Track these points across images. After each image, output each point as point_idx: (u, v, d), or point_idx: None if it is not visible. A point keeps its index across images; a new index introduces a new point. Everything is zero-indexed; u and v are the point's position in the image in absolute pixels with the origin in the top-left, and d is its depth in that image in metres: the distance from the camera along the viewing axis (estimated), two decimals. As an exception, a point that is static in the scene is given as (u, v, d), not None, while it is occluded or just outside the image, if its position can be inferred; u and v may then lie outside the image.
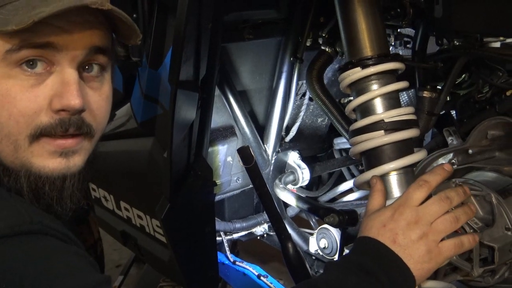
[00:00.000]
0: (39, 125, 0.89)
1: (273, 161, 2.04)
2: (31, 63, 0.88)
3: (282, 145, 2.08)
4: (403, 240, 1.08)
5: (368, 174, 1.37)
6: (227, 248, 2.16)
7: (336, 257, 1.85)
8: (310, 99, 2.04)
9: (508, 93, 1.52)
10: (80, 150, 0.94)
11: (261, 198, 1.61)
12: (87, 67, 0.94)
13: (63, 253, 0.81)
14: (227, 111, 1.91)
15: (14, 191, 0.90)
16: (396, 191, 1.34)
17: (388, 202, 1.31)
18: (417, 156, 1.34)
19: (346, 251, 1.73)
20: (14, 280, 0.75)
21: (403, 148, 1.34)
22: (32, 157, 0.90)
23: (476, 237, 1.15)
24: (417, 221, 1.09)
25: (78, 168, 0.94)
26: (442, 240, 1.10)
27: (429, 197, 1.14)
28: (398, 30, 1.92)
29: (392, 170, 1.33)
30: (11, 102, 0.87)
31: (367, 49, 1.40)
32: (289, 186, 2.06)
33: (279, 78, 1.91)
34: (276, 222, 1.61)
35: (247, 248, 2.89)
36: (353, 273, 1.05)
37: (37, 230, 0.79)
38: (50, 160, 0.91)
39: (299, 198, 1.90)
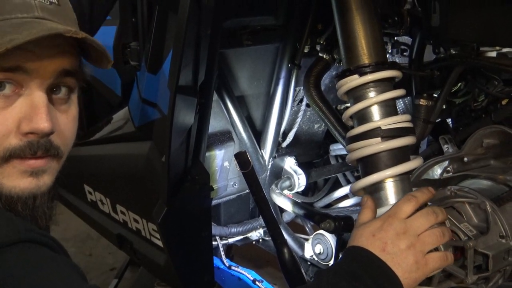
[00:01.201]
0: (8, 148, 0.89)
1: (269, 167, 2.05)
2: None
3: (279, 151, 2.09)
4: (391, 249, 1.12)
5: (365, 181, 1.38)
6: (222, 253, 2.17)
7: (331, 263, 1.85)
8: (307, 105, 2.05)
9: (503, 102, 1.53)
10: (48, 169, 0.95)
11: (258, 203, 1.61)
12: (55, 89, 0.95)
13: (56, 263, 0.82)
14: (224, 116, 1.92)
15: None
16: (392, 198, 1.35)
17: (384, 209, 1.32)
18: (413, 163, 1.36)
19: (342, 257, 1.74)
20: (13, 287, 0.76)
21: (400, 155, 1.35)
22: (3, 178, 0.90)
23: (451, 257, 1.20)
24: (405, 231, 1.14)
25: (47, 187, 0.95)
26: (428, 252, 1.15)
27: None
28: (395, 38, 1.93)
29: (388, 177, 1.35)
30: None
31: (365, 57, 1.41)
32: (285, 192, 2.06)
33: (277, 84, 1.92)
34: (272, 227, 1.62)
35: (242, 253, 2.89)
36: (343, 279, 1.08)
37: (31, 239, 0.80)
38: (21, 180, 0.91)
39: (295, 203, 1.91)
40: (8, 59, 0.86)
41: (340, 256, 1.64)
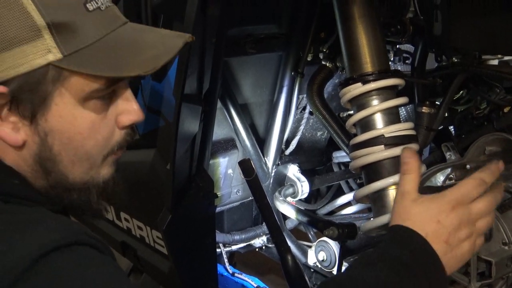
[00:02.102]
0: (114, 144, 0.96)
1: (273, 174, 2.06)
2: (108, 95, 0.94)
3: (282, 158, 2.10)
4: (453, 239, 1.03)
5: (368, 188, 1.39)
6: (226, 260, 2.17)
7: (335, 270, 1.86)
8: (310, 113, 2.06)
9: (505, 110, 1.54)
10: None
11: (261, 211, 1.62)
12: None
13: (104, 264, 0.84)
14: (228, 124, 1.93)
15: (70, 206, 0.97)
16: (395, 205, 1.35)
17: (385, 218, 1.33)
18: (416, 170, 1.36)
19: (345, 264, 1.75)
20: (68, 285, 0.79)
21: (403, 162, 1.36)
22: (102, 169, 0.97)
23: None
24: (468, 221, 1.05)
25: None
26: None
27: None
28: (398, 46, 1.94)
29: (391, 184, 1.36)
30: (96, 131, 0.93)
31: (368, 65, 1.43)
32: (289, 199, 2.07)
33: (280, 92, 1.93)
34: (276, 234, 1.63)
35: (244, 260, 2.89)
36: (394, 271, 0.98)
37: (84, 241, 0.83)
38: (111, 168, 0.98)
39: (298, 210, 1.92)
40: None
41: (350, 260, 1.62)
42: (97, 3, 0.91)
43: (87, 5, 0.90)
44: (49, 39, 0.85)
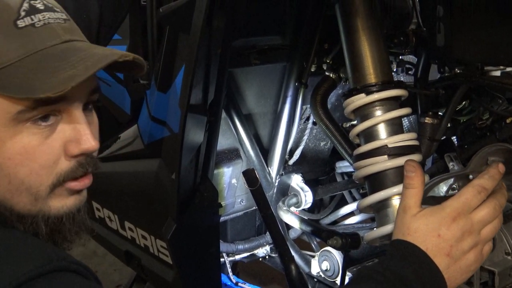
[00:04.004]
0: (60, 173, 0.89)
1: (276, 184, 2.07)
2: (44, 117, 0.86)
3: (286, 168, 2.10)
4: (455, 252, 1.00)
5: (372, 198, 1.40)
6: (229, 269, 2.18)
7: (338, 279, 1.86)
8: (314, 123, 2.07)
9: (508, 121, 1.54)
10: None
11: (265, 220, 1.63)
12: (85, 106, 0.94)
13: None
14: (232, 134, 1.94)
15: (31, 233, 0.90)
16: (398, 215, 1.36)
17: (388, 228, 1.34)
18: (420, 181, 1.37)
19: (349, 273, 1.75)
20: None
21: (406, 173, 1.37)
22: (51, 201, 0.90)
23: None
24: (471, 230, 1.01)
25: (85, 197, 0.96)
26: None
27: None
28: (400, 57, 1.96)
29: (395, 195, 1.37)
30: (30, 158, 0.86)
31: (371, 76, 1.44)
32: (292, 209, 2.08)
33: (284, 102, 1.94)
34: (280, 244, 1.64)
35: (248, 269, 2.90)
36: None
37: (63, 267, 0.80)
38: (68, 199, 0.92)
39: (302, 220, 1.93)
40: None
41: (352, 270, 1.62)
42: (32, 20, 0.85)
43: (18, 22, 0.84)
44: None
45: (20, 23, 0.84)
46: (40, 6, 0.87)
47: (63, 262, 0.80)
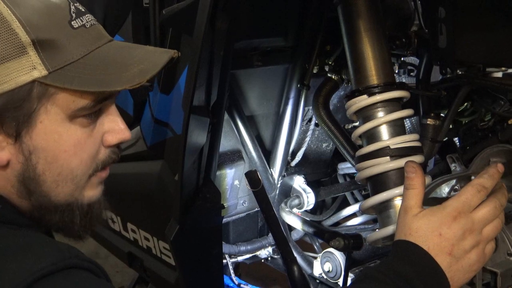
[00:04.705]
0: (98, 163, 0.96)
1: (279, 185, 2.07)
2: (94, 113, 0.94)
3: (288, 170, 2.11)
4: (457, 251, 1.00)
5: (374, 199, 1.40)
6: (231, 271, 2.18)
7: (340, 281, 1.86)
8: (316, 124, 2.08)
9: (510, 122, 1.54)
10: None
11: (268, 221, 1.63)
12: None
13: (103, 287, 0.84)
14: (235, 135, 1.94)
15: (56, 228, 0.97)
16: (401, 216, 1.36)
17: (390, 229, 1.34)
18: (422, 182, 1.38)
19: (351, 275, 1.75)
20: None
21: (408, 174, 1.37)
22: (85, 191, 0.96)
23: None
24: (472, 229, 1.02)
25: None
26: None
27: None
28: (402, 59, 1.96)
29: (397, 196, 1.37)
30: (82, 149, 0.93)
31: (373, 77, 1.45)
32: (295, 210, 2.08)
33: (286, 104, 1.94)
34: (282, 245, 1.64)
35: (250, 271, 2.90)
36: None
37: (76, 265, 0.82)
38: (96, 189, 0.99)
39: (304, 221, 1.93)
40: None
41: (355, 271, 1.62)
42: (82, 21, 0.92)
43: (72, 23, 0.90)
44: (34, 55, 0.85)
45: (74, 24, 0.90)
46: (81, 8, 0.94)
47: (76, 259, 0.83)
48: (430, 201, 1.56)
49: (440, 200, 1.51)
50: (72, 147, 0.91)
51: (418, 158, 1.40)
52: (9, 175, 0.91)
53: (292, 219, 1.97)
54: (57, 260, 0.81)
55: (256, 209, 2.12)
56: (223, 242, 2.09)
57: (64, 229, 0.97)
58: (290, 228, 2.16)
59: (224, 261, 2.14)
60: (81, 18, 0.92)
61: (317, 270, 2.02)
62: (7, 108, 0.86)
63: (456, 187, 1.54)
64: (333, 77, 1.85)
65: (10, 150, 0.89)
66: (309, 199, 2.09)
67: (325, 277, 1.99)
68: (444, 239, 1.00)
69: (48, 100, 0.87)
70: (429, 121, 1.62)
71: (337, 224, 2.32)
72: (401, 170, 1.38)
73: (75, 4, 0.94)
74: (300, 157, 2.11)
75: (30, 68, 0.85)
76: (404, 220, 1.04)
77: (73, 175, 0.93)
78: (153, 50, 0.99)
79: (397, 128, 1.43)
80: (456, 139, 1.85)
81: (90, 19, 0.94)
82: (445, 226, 1.01)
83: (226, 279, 2.18)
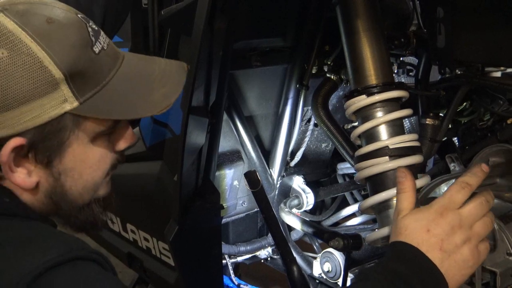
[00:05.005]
0: (111, 166, 1.03)
1: (278, 185, 2.07)
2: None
3: (287, 170, 2.11)
4: (448, 245, 1.02)
5: (373, 199, 1.40)
6: (231, 271, 2.18)
7: (340, 281, 1.86)
8: (315, 124, 2.08)
9: (509, 121, 1.54)
10: None
11: (267, 222, 1.63)
12: None
13: (107, 279, 0.85)
14: (234, 136, 1.94)
15: (70, 224, 1.03)
16: (400, 216, 1.36)
17: (390, 229, 1.33)
18: (421, 181, 1.38)
19: (351, 275, 1.75)
20: None
21: (408, 174, 1.37)
22: (99, 191, 1.04)
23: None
24: (460, 225, 1.04)
25: None
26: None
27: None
28: (401, 59, 1.96)
29: (396, 196, 1.36)
30: (105, 162, 1.01)
31: (372, 77, 1.44)
32: (294, 210, 2.08)
33: (285, 104, 1.94)
34: (282, 245, 1.64)
35: (250, 271, 2.90)
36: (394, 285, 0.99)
37: (84, 256, 0.84)
38: (107, 186, 1.06)
39: (304, 222, 1.93)
40: None
41: (355, 271, 1.62)
42: (100, 44, 0.95)
43: (94, 48, 0.93)
44: (66, 89, 0.89)
45: (95, 49, 0.94)
46: (95, 27, 0.97)
47: (83, 251, 0.85)
48: (429, 201, 1.55)
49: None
50: (96, 163, 0.99)
51: (417, 158, 1.40)
52: (38, 194, 0.96)
53: (292, 219, 1.97)
54: (64, 251, 0.82)
55: (256, 209, 2.12)
56: (222, 243, 2.10)
57: (88, 223, 1.04)
58: (290, 228, 2.17)
59: (224, 261, 2.14)
60: (99, 40, 0.95)
61: (316, 270, 2.02)
62: (40, 140, 0.90)
63: (455, 186, 1.54)
64: (332, 77, 1.85)
65: (39, 174, 0.94)
66: (309, 199, 2.09)
67: (324, 277, 1.99)
68: (432, 235, 1.02)
69: (78, 128, 0.93)
70: (428, 121, 1.62)
71: (336, 224, 2.33)
72: (400, 170, 1.38)
73: (89, 24, 0.96)
74: (299, 157, 2.11)
75: (62, 101, 0.89)
76: (395, 222, 1.08)
77: (95, 185, 1.01)
78: (169, 66, 1.06)
79: (396, 128, 1.43)
80: (455, 139, 1.85)
81: (104, 38, 0.98)
82: (433, 223, 1.03)
83: (225, 280, 2.18)
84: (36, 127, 0.88)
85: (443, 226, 1.03)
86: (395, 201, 1.37)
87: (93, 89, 0.93)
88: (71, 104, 0.90)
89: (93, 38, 0.94)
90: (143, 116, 1.02)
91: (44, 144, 0.90)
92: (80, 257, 0.83)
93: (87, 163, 0.97)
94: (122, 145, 1.03)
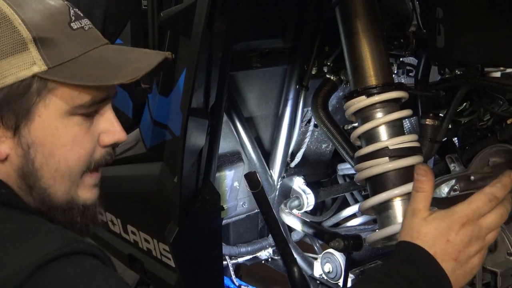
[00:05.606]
0: (92, 161, 0.99)
1: (278, 186, 2.07)
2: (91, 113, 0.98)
3: (288, 171, 2.10)
4: (462, 257, 1.02)
5: (373, 200, 1.40)
6: (232, 272, 2.18)
7: (341, 281, 1.86)
8: (315, 125, 2.07)
9: (508, 121, 1.54)
10: None
11: (268, 223, 1.63)
12: None
13: (108, 274, 0.85)
14: (234, 137, 1.94)
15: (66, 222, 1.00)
16: (400, 217, 1.37)
17: (390, 229, 1.34)
18: (421, 182, 1.38)
19: (351, 275, 1.75)
20: None
21: (407, 174, 1.37)
22: (79, 191, 1.00)
23: None
24: (478, 236, 1.03)
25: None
26: None
27: None
28: (401, 59, 1.96)
29: (396, 196, 1.37)
30: (80, 145, 0.96)
31: (372, 78, 1.44)
32: (294, 211, 2.08)
33: (285, 105, 1.94)
34: (282, 246, 1.64)
35: (251, 272, 2.90)
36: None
37: (83, 250, 0.84)
38: (91, 191, 1.02)
39: (304, 222, 1.93)
40: (100, 91, 0.96)
41: (355, 272, 1.62)
42: (81, 24, 0.97)
43: (72, 24, 0.95)
44: (35, 51, 0.90)
45: (74, 26, 0.96)
46: (80, 13, 0.99)
47: (82, 244, 0.84)
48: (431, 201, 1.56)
49: (439, 201, 1.52)
50: (69, 142, 0.95)
51: (417, 159, 1.40)
52: (9, 170, 0.94)
53: (292, 220, 1.97)
54: (64, 244, 0.82)
55: (256, 210, 2.12)
56: (223, 244, 2.10)
57: (67, 226, 0.99)
58: (290, 229, 2.16)
59: (225, 262, 2.14)
60: (80, 21, 0.97)
61: (317, 271, 2.02)
62: (7, 101, 0.90)
63: (456, 187, 1.54)
64: (332, 78, 1.85)
65: (9, 144, 0.92)
66: (309, 200, 2.09)
67: (325, 278, 1.99)
68: (451, 245, 1.01)
69: (47, 95, 0.92)
70: (428, 121, 1.62)
71: (337, 225, 2.33)
72: (400, 171, 1.38)
73: (75, 9, 0.98)
74: (300, 158, 2.11)
75: (31, 64, 0.90)
76: (412, 223, 1.05)
77: (70, 171, 0.96)
78: (149, 52, 1.05)
79: (396, 128, 1.43)
80: (455, 139, 1.85)
81: (88, 23, 0.99)
82: (453, 232, 1.02)
83: (226, 281, 2.18)
84: (3, 87, 0.89)
85: (463, 237, 1.02)
86: (395, 202, 1.37)
87: (65, 58, 0.93)
88: (40, 67, 0.90)
89: (73, 17, 0.96)
90: (112, 83, 0.94)
91: (10, 107, 0.90)
92: (80, 250, 0.83)
93: (58, 140, 0.94)
94: (107, 139, 1.00)
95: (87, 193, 1.01)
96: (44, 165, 0.94)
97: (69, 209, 0.99)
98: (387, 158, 1.39)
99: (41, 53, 0.90)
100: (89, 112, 0.96)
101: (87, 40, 0.97)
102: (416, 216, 1.05)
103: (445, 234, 1.02)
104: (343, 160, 2.10)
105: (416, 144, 1.43)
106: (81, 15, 0.99)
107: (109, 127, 1.00)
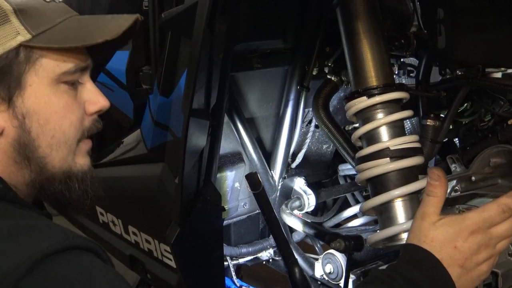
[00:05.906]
0: (84, 129, 1.04)
1: (279, 187, 2.07)
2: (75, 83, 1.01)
3: (289, 171, 2.10)
4: (469, 264, 1.01)
5: (374, 201, 1.40)
6: (233, 273, 2.18)
7: (342, 282, 1.86)
8: (316, 126, 2.08)
9: (509, 122, 1.54)
10: None
11: (269, 223, 1.63)
12: None
13: (105, 269, 0.85)
14: (235, 138, 1.94)
15: (53, 199, 1.02)
16: (401, 217, 1.37)
17: (391, 230, 1.34)
18: (422, 183, 1.38)
19: (352, 276, 1.75)
20: None
21: (408, 175, 1.38)
22: (76, 158, 1.03)
23: None
24: (487, 245, 1.02)
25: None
26: None
27: None
28: (402, 60, 1.96)
29: (397, 197, 1.37)
30: (71, 111, 1.00)
31: (373, 79, 1.45)
32: (295, 212, 2.08)
33: (286, 106, 1.94)
34: (283, 247, 1.64)
35: (252, 273, 2.90)
36: None
37: (79, 245, 0.84)
38: (85, 158, 1.05)
39: (305, 223, 1.93)
40: (83, 59, 1.00)
41: (356, 272, 1.62)
42: None
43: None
44: (17, 22, 0.93)
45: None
46: None
47: (80, 240, 0.85)
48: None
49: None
50: (62, 108, 0.98)
51: (418, 159, 1.40)
52: (4, 145, 0.96)
53: (293, 221, 1.97)
54: (62, 239, 0.83)
55: (257, 211, 2.12)
56: (224, 244, 2.10)
57: (66, 195, 1.01)
58: (291, 230, 2.16)
59: (226, 263, 2.14)
60: None
61: (318, 272, 2.02)
62: None
63: (457, 187, 1.54)
64: (333, 78, 1.85)
65: (4, 117, 0.95)
66: (310, 200, 2.09)
67: (326, 278, 1.99)
68: (458, 252, 1.01)
69: (35, 63, 0.95)
70: (429, 122, 1.63)
71: (338, 225, 2.33)
72: (401, 171, 1.38)
73: None
74: (301, 159, 2.11)
75: (15, 34, 0.93)
76: (420, 226, 1.05)
77: (65, 138, 0.99)
78: (119, 15, 1.07)
79: (397, 129, 1.43)
80: (456, 140, 1.85)
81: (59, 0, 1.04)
82: (461, 239, 1.01)
83: (227, 281, 2.18)
84: None
85: (471, 245, 1.01)
86: (396, 202, 1.37)
87: (46, 26, 0.96)
88: (24, 36, 0.93)
89: None
90: (97, 41, 0.96)
91: (1, 78, 0.93)
92: (78, 245, 0.84)
93: (51, 107, 0.97)
94: (92, 107, 1.03)
95: (82, 158, 1.04)
96: (41, 134, 0.97)
97: (67, 178, 1.01)
98: (388, 158, 1.39)
99: (23, 23, 0.93)
100: (74, 80, 1.00)
101: (61, 11, 1.01)
102: (425, 220, 1.05)
103: (453, 240, 1.01)
104: (344, 161, 2.10)
105: (417, 144, 1.43)
106: None
107: (92, 96, 1.04)
